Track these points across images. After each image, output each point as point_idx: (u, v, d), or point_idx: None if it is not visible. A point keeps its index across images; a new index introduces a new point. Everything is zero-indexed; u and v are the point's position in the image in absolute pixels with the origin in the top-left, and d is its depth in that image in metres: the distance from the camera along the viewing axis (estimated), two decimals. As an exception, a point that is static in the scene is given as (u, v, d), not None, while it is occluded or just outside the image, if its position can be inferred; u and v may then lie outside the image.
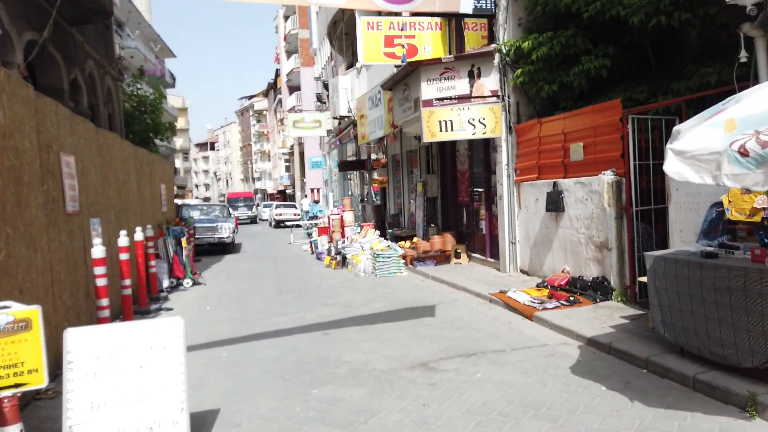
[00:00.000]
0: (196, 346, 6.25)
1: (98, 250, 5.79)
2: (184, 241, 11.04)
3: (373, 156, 18.71)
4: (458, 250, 11.36)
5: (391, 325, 6.77)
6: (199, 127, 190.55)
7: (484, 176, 10.80)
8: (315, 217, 30.22)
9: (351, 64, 19.76)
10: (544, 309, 6.74)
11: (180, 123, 77.79)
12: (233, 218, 18.91)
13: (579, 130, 7.77)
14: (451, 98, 9.57)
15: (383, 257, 10.86)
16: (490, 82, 9.52)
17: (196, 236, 16.40)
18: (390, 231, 15.60)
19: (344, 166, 20.78)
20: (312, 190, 47.28)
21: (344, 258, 12.35)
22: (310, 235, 22.42)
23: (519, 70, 8.91)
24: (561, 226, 8.07)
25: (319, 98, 30.51)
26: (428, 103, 9.55)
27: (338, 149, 27.76)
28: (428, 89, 9.84)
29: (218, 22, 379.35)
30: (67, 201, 5.91)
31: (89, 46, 11.37)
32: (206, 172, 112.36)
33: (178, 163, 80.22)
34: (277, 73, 59.58)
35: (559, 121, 8.24)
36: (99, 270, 5.82)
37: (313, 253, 15.68)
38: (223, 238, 16.70)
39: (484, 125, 9.35)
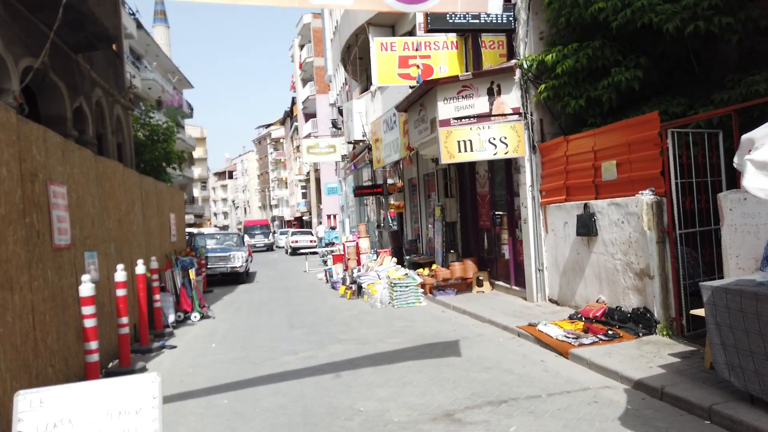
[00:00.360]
0: (196, 392, 5.66)
1: (86, 288, 5.28)
2: (192, 272, 10.55)
3: (389, 180, 18.22)
4: (480, 278, 10.69)
5: (411, 365, 6.12)
6: (218, 156, 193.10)
7: (506, 199, 10.18)
8: (331, 244, 29.83)
9: (365, 89, 19.45)
10: (581, 345, 6.04)
11: (198, 152, 78.74)
12: (246, 247, 18.47)
13: (611, 147, 7.15)
14: (469, 117, 9.04)
15: (401, 286, 10.23)
16: (511, 99, 8.97)
17: (208, 266, 15.97)
18: (407, 258, 14.99)
19: (360, 192, 20.33)
20: (329, 217, 46.96)
21: (360, 287, 11.74)
22: (325, 262, 21.91)
23: (542, 86, 8.35)
24: (594, 252, 7.39)
25: (334, 124, 30.31)
26: (445, 123, 9.02)
27: (354, 174, 27.38)
28: (445, 109, 9.33)
29: (236, 52, 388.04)
30: (55, 234, 5.43)
31: (97, 74, 11.13)
32: (225, 200, 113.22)
33: (197, 192, 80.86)
34: (293, 101, 60.00)
35: (589, 138, 7.63)
36: (87, 310, 5.31)
37: (327, 282, 15.09)
38: (236, 267, 16.22)
39: (506, 144, 8.78)
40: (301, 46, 50.28)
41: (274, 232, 51.92)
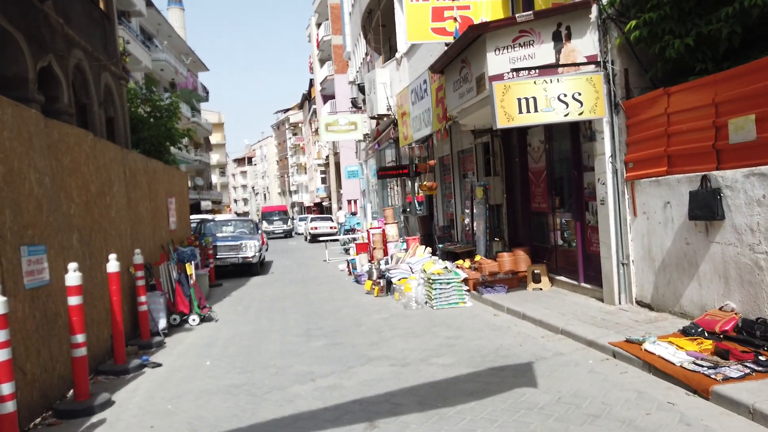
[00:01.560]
0: (166, 449, 3.91)
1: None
2: (189, 267, 8.83)
3: (417, 160, 16.32)
4: (537, 272, 8.78)
5: (475, 406, 4.28)
6: (238, 142, 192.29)
7: (572, 175, 8.22)
8: (352, 230, 28.05)
9: (389, 59, 17.49)
10: (727, 379, 4.13)
11: (216, 138, 77.66)
12: (260, 234, 16.77)
13: (745, 99, 5.15)
14: (530, 69, 7.08)
15: (441, 283, 8.37)
16: (584, 44, 6.98)
17: (217, 256, 14.31)
18: (440, 246, 13.13)
19: (384, 173, 18.45)
20: (349, 202, 45.23)
21: (389, 283, 9.93)
22: (347, 251, 20.15)
23: (633, 22, 6.35)
24: (717, 241, 5.43)
25: (354, 103, 28.35)
26: (498, 77, 7.07)
27: (376, 156, 25.49)
28: (497, 61, 7.39)
29: (252, 36, 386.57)
30: (-46, 222, 3.70)
31: (77, 33, 9.39)
32: (244, 186, 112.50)
33: (215, 178, 79.89)
34: (311, 83, 58.13)
35: (705, 88, 5.63)
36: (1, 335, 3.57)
37: (350, 274, 13.32)
38: (248, 258, 14.54)
39: (580, 103, 6.80)
40: (318, 25, 48.27)
41: (293, 218, 50.49)
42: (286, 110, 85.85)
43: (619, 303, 6.98)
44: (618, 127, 6.88)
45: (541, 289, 8.69)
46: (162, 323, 7.72)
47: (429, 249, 10.69)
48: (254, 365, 5.94)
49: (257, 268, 15.13)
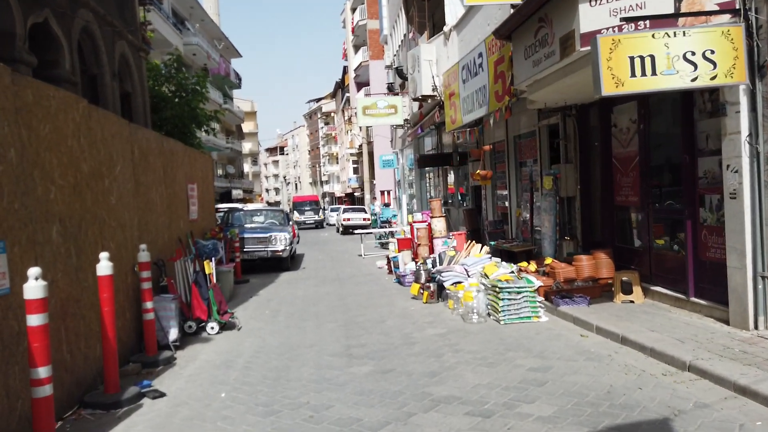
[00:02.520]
0: None
1: None
2: (208, 265, 7.50)
3: (462, 145, 14.73)
4: (626, 281, 7.16)
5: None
6: (270, 132, 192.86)
7: (682, 161, 6.54)
8: (387, 222, 26.65)
9: (434, 36, 15.90)
10: None
11: (249, 127, 77.16)
12: (291, 226, 15.46)
13: None
14: (642, 20, 5.46)
15: (510, 292, 6.83)
16: (716, -12, 5.32)
17: (244, 249, 13.05)
18: (492, 244, 11.56)
19: (425, 162, 16.94)
20: (382, 193, 43.81)
21: (440, 287, 8.44)
22: (383, 245, 18.74)
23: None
24: None
25: (390, 89, 26.81)
26: (593, 35, 5.46)
27: (414, 144, 23.93)
28: (593, 14, 5.81)
29: (286, 25, 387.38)
30: None
31: (86, -8, 8.12)
32: (276, 176, 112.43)
33: (247, 167, 79.57)
34: (345, 71, 56.78)
35: None
36: None
37: (391, 272, 11.88)
38: (278, 251, 13.23)
39: (713, 63, 5.14)
40: (353, 9, 46.79)
41: (324, 209, 49.43)
42: (319, 99, 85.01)
43: (755, 327, 5.34)
44: (763, 97, 5.21)
45: (632, 301, 7.07)
46: (173, 334, 6.40)
47: (486, 247, 9.13)
48: (282, 402, 4.53)
49: (287, 262, 13.83)
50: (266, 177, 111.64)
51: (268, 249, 13.20)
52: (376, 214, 29.81)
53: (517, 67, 8.10)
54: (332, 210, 42.61)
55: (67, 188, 4.83)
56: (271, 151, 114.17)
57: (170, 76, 13.70)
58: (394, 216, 27.57)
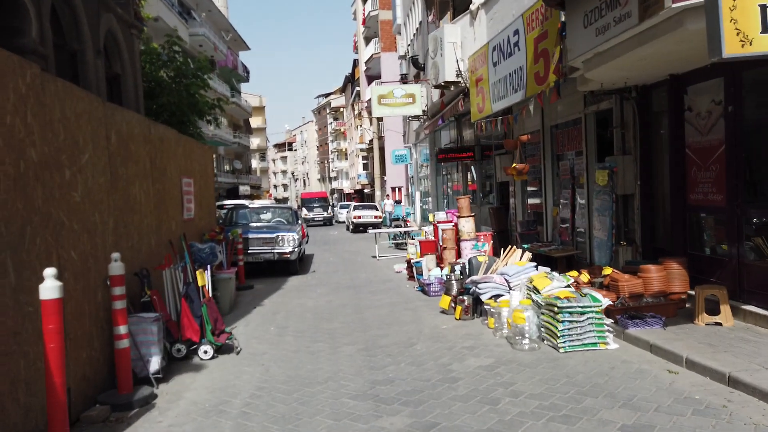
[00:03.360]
0: None
1: None
2: (201, 275, 6.23)
3: (487, 135, 13.39)
4: (713, 298, 5.84)
5: None
6: (278, 127, 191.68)
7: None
8: (399, 220, 25.32)
9: (455, 17, 14.57)
10: None
11: (257, 122, 76.11)
12: (301, 225, 14.21)
13: None
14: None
15: (571, 313, 5.52)
16: None
17: (249, 251, 11.83)
18: (525, 247, 10.26)
19: (444, 156, 15.63)
20: (393, 189, 42.57)
21: (476, 300, 7.15)
22: (398, 245, 17.49)
23: None
24: None
25: (403, 80, 25.50)
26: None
27: (429, 139, 22.62)
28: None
29: (296, 17, 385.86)
30: None
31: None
32: (284, 172, 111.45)
33: (255, 162, 78.54)
34: (355, 64, 55.47)
35: None
36: None
37: (411, 278, 10.60)
38: (286, 254, 11.98)
39: None
40: (364, 0, 45.46)
41: (333, 206, 48.26)
42: (328, 94, 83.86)
43: None
44: None
45: (719, 324, 5.75)
46: (154, 363, 5.15)
47: (528, 254, 7.82)
48: (289, 477, 3.27)
49: (296, 266, 12.58)
50: (274, 173, 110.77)
51: (275, 251, 11.96)
52: (387, 213, 28.55)
53: (571, 38, 6.77)
54: (342, 207, 41.40)
55: (4, 181, 3.59)
56: (279, 146, 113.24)
57: (169, 61, 12.46)
58: (409, 214, 26.27)
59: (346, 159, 72.07)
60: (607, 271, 6.73)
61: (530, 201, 12.09)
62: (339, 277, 11.88)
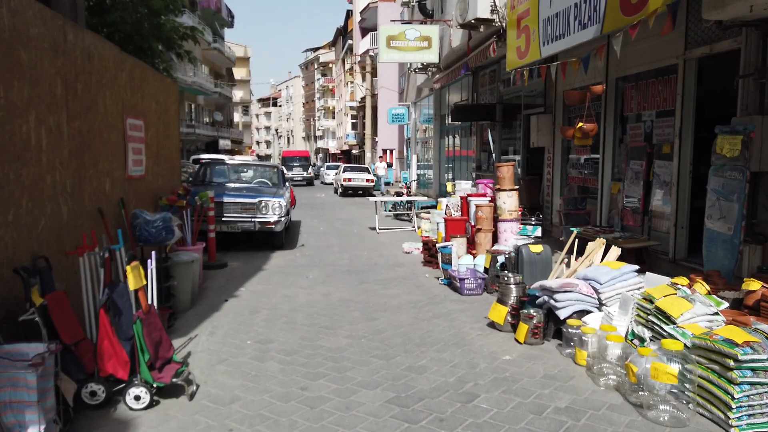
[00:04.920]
0: None
1: None
2: (134, 273, 3.84)
3: (513, 92, 10.98)
4: None
5: None
6: (263, 82, 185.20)
7: None
8: (389, 185, 22.94)
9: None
10: None
11: (241, 73, 72.16)
12: (290, 189, 11.81)
13: None
14: None
15: (754, 369, 3.30)
16: None
17: (223, 218, 9.45)
18: (577, 231, 8.05)
19: (460, 115, 13.21)
20: (384, 152, 40.08)
21: (548, 315, 4.92)
22: (397, 216, 15.21)
23: None
24: None
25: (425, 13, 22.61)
26: None
27: (435, 97, 20.10)
28: None
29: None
30: None
31: None
32: (268, 128, 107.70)
33: (237, 116, 74.95)
34: (348, 15, 51.86)
35: None
36: None
37: (429, 263, 8.37)
38: (270, 223, 9.61)
39: None
40: (363, -57, 41.88)
41: (314, 165, 45.84)
42: (316, 49, 79.92)
43: None
44: None
45: None
46: (30, 441, 2.84)
47: (615, 250, 5.56)
48: None
49: (281, 239, 10.22)
50: (257, 129, 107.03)
51: (256, 219, 9.57)
52: (379, 177, 26.03)
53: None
54: (329, 168, 38.78)
55: None
56: (264, 102, 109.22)
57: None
58: (405, 179, 23.90)
59: (334, 118, 69.05)
60: (753, 285, 4.51)
61: (574, 173, 9.84)
62: (335, 256, 9.58)
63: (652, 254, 7.18)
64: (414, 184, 22.08)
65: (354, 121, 53.83)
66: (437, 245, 7.36)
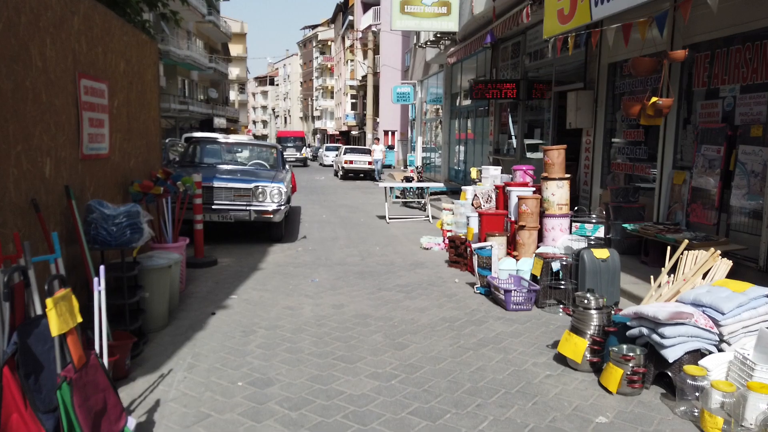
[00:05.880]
0: None
1: None
2: (56, 309, 2.48)
3: (540, 66, 9.59)
4: None
5: None
6: (260, 60, 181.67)
7: None
8: (390, 167, 21.39)
9: None
10: None
11: (237, 50, 70.09)
12: (291, 174, 10.44)
13: None
14: None
15: None
16: None
17: (213, 206, 8.11)
18: (630, 228, 6.80)
19: (481, 91, 11.80)
20: (386, 133, 38.59)
21: (651, 355, 3.62)
22: (406, 203, 13.87)
23: None
24: None
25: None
26: None
27: (445, 74, 18.63)
28: None
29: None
30: None
31: None
32: (264, 108, 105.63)
33: (233, 94, 73.05)
34: (349, -11, 49.82)
35: None
36: None
37: (456, 263, 7.07)
38: (267, 213, 8.25)
39: None
40: None
41: (309, 146, 44.50)
42: (315, 26, 77.78)
43: None
44: None
45: None
46: None
47: (726, 263, 4.24)
48: None
49: (281, 230, 8.88)
50: (254, 108, 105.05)
51: (252, 208, 8.21)
52: (376, 161, 24.01)
53: None
54: (328, 149, 37.27)
55: None
56: (261, 80, 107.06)
57: None
58: (411, 163, 22.50)
59: (332, 98, 67.31)
60: None
61: (621, 159, 8.51)
62: (342, 251, 8.25)
63: (733, 260, 5.88)
64: (415, 165, 20.66)
65: (354, 101, 52.18)
66: (473, 245, 6.03)
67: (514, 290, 5.27)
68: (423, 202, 12.81)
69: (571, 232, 5.83)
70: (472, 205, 7.73)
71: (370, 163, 24.21)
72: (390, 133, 38.36)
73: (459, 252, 7.12)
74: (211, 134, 19.93)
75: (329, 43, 69.93)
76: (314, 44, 76.64)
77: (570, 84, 10.02)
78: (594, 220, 5.95)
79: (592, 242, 5.68)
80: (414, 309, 5.41)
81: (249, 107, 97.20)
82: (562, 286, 5.33)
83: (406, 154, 30.03)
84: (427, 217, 11.70)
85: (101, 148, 4.76)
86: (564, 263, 5.34)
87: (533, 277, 5.71)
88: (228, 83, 56.03)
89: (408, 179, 14.43)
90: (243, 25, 73.68)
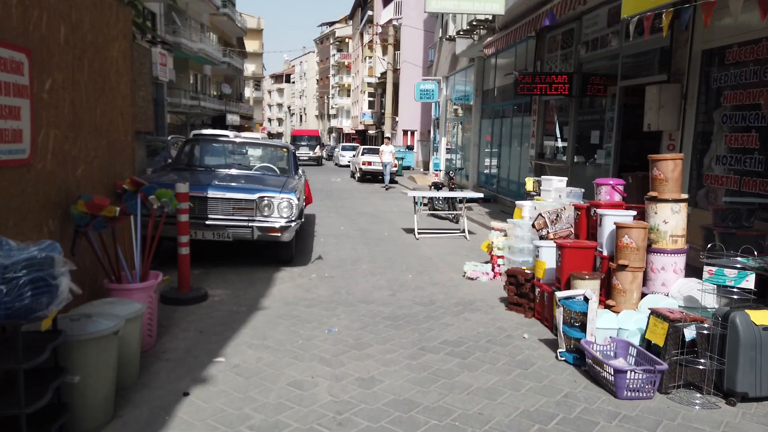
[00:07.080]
0: None
1: None
2: None
3: (607, 54, 7.81)
4: None
5: None
6: (276, 58, 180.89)
7: None
8: (410, 169, 19.46)
9: None
10: None
11: (253, 46, 68.71)
12: (304, 180, 8.80)
13: None
14: None
15: None
16: None
17: (207, 221, 6.48)
18: (748, 262, 4.93)
19: (530, 86, 10.05)
20: (405, 133, 36.93)
21: None
22: (435, 214, 12.14)
23: None
24: None
25: None
26: None
27: (476, 68, 16.86)
28: None
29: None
30: None
31: None
32: (280, 105, 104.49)
33: (248, 91, 71.83)
34: (369, -17, 48.19)
35: None
36: None
37: (515, 305, 5.35)
38: (274, 230, 6.58)
39: None
40: None
41: (323, 145, 43.21)
42: (332, 23, 76.38)
43: None
44: None
45: None
46: None
47: None
48: None
49: (291, 251, 7.19)
50: (269, 105, 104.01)
51: (254, 224, 6.55)
52: (384, 164, 20.67)
53: None
54: (345, 149, 35.59)
55: None
56: (277, 78, 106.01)
57: None
58: (437, 166, 20.72)
59: (349, 96, 65.82)
60: None
61: (719, 170, 6.71)
62: (367, 280, 6.56)
63: None
64: (441, 173, 18.85)
65: (371, 99, 50.57)
66: (558, 295, 4.30)
67: (629, 372, 3.54)
68: (456, 214, 11.08)
69: (702, 280, 4.09)
70: (533, 227, 6.01)
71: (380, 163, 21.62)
72: (409, 132, 36.64)
73: (522, 292, 5.40)
74: (219, 131, 18.39)
75: (346, 40, 68.62)
76: (331, 41, 75.42)
77: (643, 77, 8.24)
78: (738, 266, 4.18)
79: (733, 295, 3.93)
80: (478, 392, 3.70)
81: (264, 104, 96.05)
82: (701, 366, 3.58)
83: (427, 155, 28.30)
84: (463, 232, 9.99)
85: (16, 150, 3.12)
86: (704, 330, 3.60)
87: (647, 344, 3.98)
88: (243, 79, 54.71)
89: (437, 186, 12.70)
90: (260, 21, 72.45)
